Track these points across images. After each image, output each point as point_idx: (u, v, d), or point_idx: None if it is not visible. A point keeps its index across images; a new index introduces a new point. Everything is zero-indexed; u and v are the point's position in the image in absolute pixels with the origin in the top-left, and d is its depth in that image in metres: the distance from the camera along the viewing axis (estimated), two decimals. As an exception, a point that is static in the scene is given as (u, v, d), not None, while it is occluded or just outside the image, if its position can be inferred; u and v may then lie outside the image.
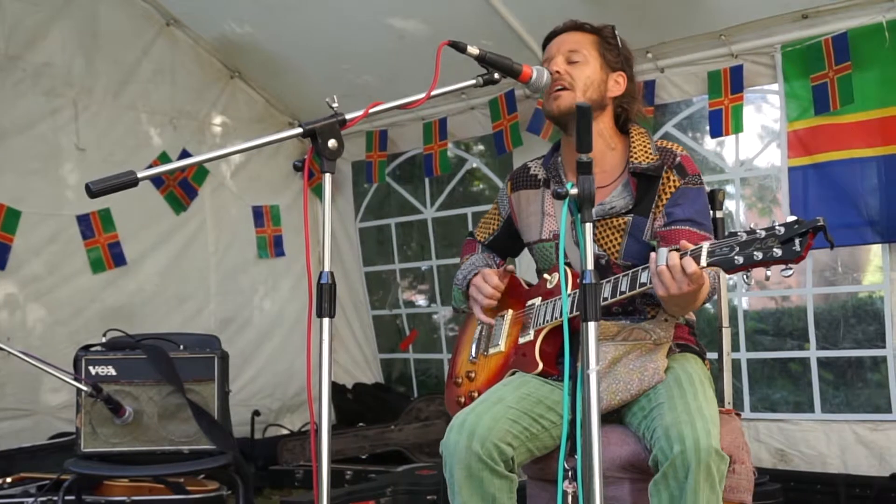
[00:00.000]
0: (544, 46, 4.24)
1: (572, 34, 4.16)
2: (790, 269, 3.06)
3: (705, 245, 3.27)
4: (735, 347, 6.82)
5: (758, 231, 3.13)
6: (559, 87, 4.03)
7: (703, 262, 3.25)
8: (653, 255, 3.43)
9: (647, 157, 4.01)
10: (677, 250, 3.35)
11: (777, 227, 3.08)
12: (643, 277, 3.59)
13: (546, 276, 4.19)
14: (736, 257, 3.15)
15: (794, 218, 3.07)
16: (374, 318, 9.50)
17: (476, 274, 4.31)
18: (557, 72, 4.03)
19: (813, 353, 6.68)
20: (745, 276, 3.21)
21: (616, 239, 4.01)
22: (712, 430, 3.42)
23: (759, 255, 3.09)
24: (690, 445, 3.34)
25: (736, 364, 6.81)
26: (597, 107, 4.04)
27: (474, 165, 8.83)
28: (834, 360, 6.78)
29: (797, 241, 3.02)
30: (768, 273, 3.12)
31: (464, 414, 3.76)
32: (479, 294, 4.23)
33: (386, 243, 9.38)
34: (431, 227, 8.92)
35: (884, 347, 6.33)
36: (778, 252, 3.05)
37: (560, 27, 4.21)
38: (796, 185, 6.39)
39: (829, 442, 6.50)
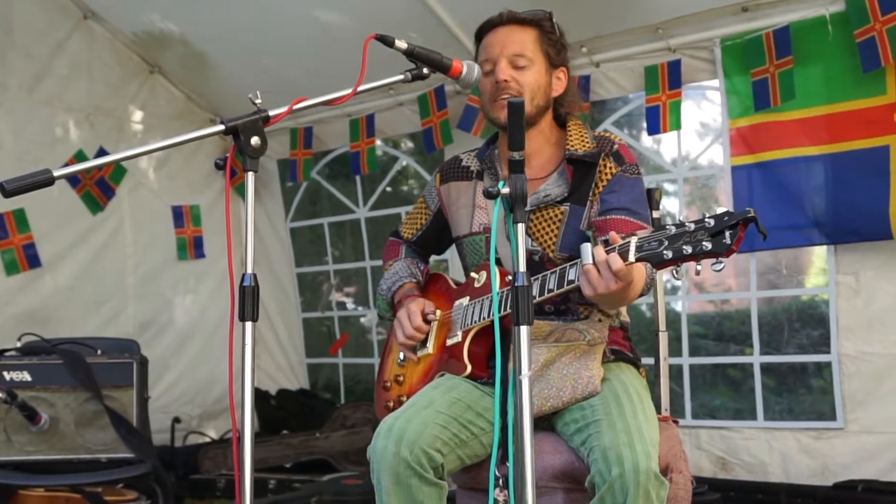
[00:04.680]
0: (478, 37, 4.13)
1: (512, 30, 4.02)
2: (721, 262, 3.01)
3: (634, 239, 3.20)
4: (676, 352, 6.85)
5: (687, 224, 3.09)
6: (507, 96, 3.90)
7: (632, 257, 3.18)
8: (583, 247, 3.34)
9: (584, 146, 3.96)
10: (606, 242, 3.30)
11: (707, 220, 3.04)
12: (571, 274, 3.54)
13: (473, 274, 4.12)
14: (665, 252, 3.10)
15: (723, 209, 3.03)
16: (303, 322, 9.47)
17: (402, 291, 4.32)
18: (506, 80, 3.93)
19: (756, 359, 6.68)
20: (674, 271, 3.16)
21: (552, 231, 3.93)
22: (652, 453, 3.35)
23: (688, 249, 3.04)
24: (629, 468, 3.27)
25: (676, 370, 6.85)
26: (542, 111, 4.01)
27: (405, 164, 8.76)
28: (777, 365, 6.85)
29: (727, 233, 2.98)
30: (699, 267, 3.09)
31: (392, 418, 3.68)
32: (400, 330, 4.18)
33: (318, 243, 9.36)
34: (365, 227, 8.87)
35: (828, 353, 6.31)
36: (708, 245, 3.00)
37: (496, 19, 4.07)
38: (740, 185, 6.40)
39: (771, 450, 6.50)
